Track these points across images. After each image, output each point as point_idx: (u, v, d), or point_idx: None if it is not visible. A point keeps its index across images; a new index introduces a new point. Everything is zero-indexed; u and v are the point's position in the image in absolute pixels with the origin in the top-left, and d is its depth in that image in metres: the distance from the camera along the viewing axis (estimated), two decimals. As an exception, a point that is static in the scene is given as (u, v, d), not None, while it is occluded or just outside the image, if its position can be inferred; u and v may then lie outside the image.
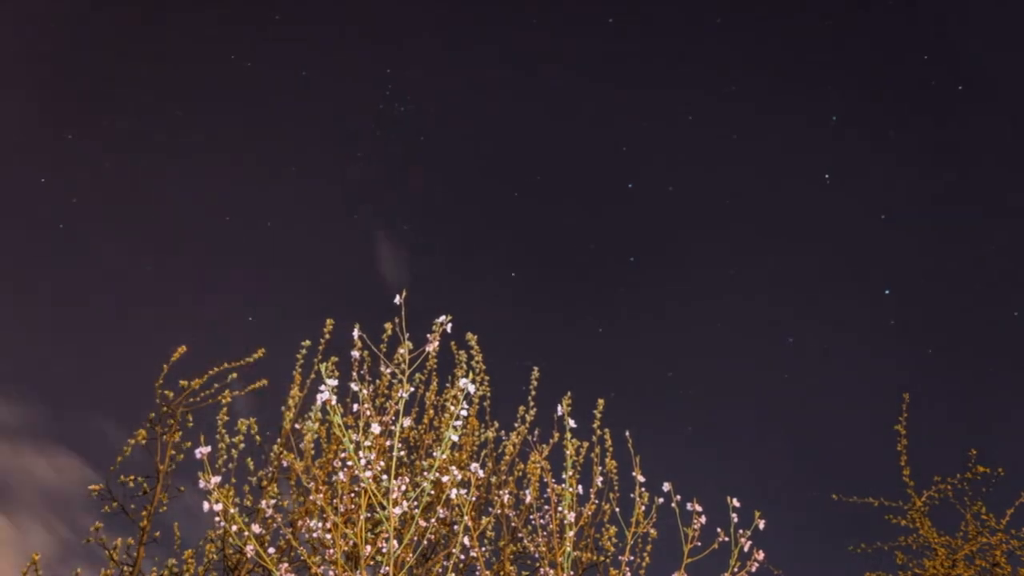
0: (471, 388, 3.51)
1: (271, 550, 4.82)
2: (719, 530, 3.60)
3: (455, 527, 5.08)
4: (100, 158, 14.34)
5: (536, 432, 5.68)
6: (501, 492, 5.44)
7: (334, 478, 4.56)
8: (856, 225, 14.71)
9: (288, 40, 14.54)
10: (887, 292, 13.32)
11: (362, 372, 3.91)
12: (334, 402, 3.37)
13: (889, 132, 14.46)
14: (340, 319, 5.37)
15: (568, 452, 3.82)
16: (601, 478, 4.90)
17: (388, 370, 5.33)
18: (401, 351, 3.47)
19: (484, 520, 5.49)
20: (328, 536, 4.37)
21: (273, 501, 5.08)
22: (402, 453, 5.46)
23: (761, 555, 3.59)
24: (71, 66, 14.57)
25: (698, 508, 3.64)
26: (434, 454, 5.18)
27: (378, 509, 3.46)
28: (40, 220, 13.87)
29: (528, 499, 5.35)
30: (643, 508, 3.76)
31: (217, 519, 3.39)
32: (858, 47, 14.65)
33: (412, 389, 3.46)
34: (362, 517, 3.54)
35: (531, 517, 5.34)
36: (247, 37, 14.75)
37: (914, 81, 14.24)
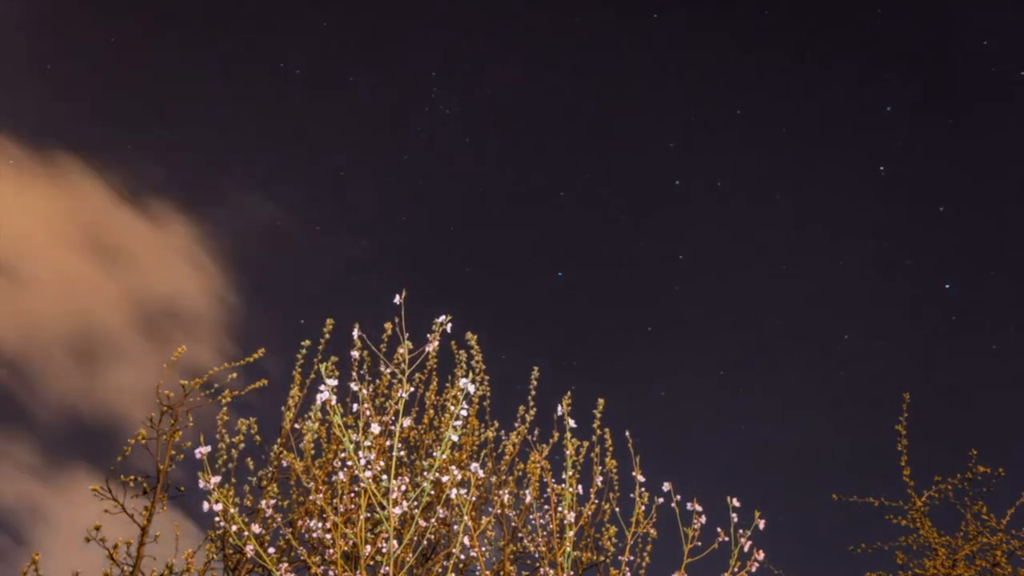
0: (471, 388, 3.51)
1: (271, 550, 4.82)
2: (719, 530, 3.60)
3: (455, 527, 5.08)
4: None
5: (536, 432, 5.68)
6: (501, 492, 5.43)
7: (334, 478, 4.57)
8: (913, 218, 14.45)
9: (335, 46, 14.55)
10: (947, 287, 13.08)
11: (362, 372, 3.91)
12: (334, 402, 3.37)
13: (948, 121, 14.11)
14: (340, 319, 5.37)
15: (568, 452, 3.82)
16: (601, 478, 4.90)
17: (388, 370, 5.33)
18: (401, 351, 3.47)
19: (484, 520, 5.49)
20: (328, 536, 4.37)
21: (273, 501, 5.08)
22: (402, 453, 5.46)
23: (761, 555, 3.59)
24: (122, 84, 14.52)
25: (698, 508, 3.64)
26: (434, 454, 5.18)
27: (378, 509, 3.46)
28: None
29: (528, 499, 5.35)
30: (643, 508, 3.76)
31: (217, 519, 3.39)
32: (913, 33, 14.33)
33: (412, 389, 3.46)
34: (362, 517, 3.54)
35: (531, 517, 5.34)
36: (297, 45, 14.76)
37: (974, 68, 13.86)
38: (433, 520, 4.44)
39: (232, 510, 3.43)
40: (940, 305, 13.88)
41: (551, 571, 4.57)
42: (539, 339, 14.86)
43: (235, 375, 5.25)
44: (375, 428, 3.52)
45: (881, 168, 13.69)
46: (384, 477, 3.52)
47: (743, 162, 15.01)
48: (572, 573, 4.27)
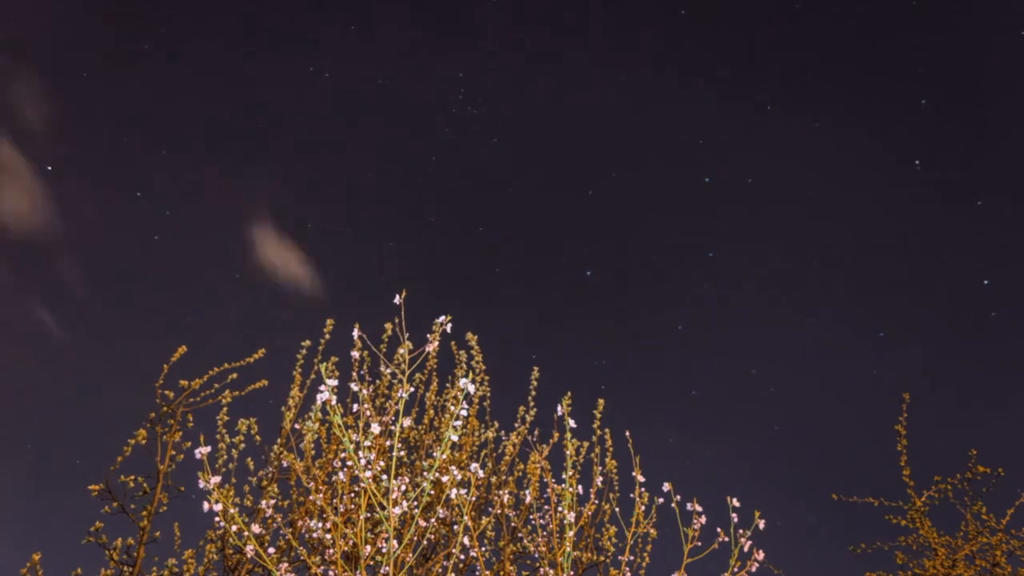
0: (471, 388, 3.51)
1: (271, 550, 4.82)
2: (719, 530, 3.60)
3: (455, 527, 5.08)
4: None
5: (536, 432, 5.69)
6: (501, 492, 5.43)
7: (334, 478, 4.57)
8: (950, 212, 14.20)
9: (364, 50, 14.52)
10: (986, 283, 12.93)
11: (362, 372, 3.91)
12: (334, 402, 3.37)
13: (985, 113, 13.85)
14: (340, 319, 5.37)
15: (568, 452, 3.82)
16: (601, 478, 4.90)
17: (388, 370, 5.33)
18: (401, 351, 3.47)
19: (484, 520, 5.49)
20: (328, 536, 4.38)
21: (273, 501, 5.08)
22: (402, 453, 5.46)
23: (761, 555, 3.59)
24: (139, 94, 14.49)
25: (698, 508, 3.64)
26: (434, 454, 5.18)
27: (378, 509, 3.46)
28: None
29: (528, 499, 5.35)
30: (643, 508, 3.76)
31: (217, 519, 3.39)
32: (947, 26, 14.05)
33: (412, 389, 3.46)
34: (362, 517, 3.54)
35: (531, 517, 5.34)
36: (327, 48, 14.74)
37: (1009, 61, 13.61)
38: (433, 520, 4.44)
39: (232, 510, 3.43)
40: (976, 301, 13.67)
41: (551, 571, 4.57)
42: (567, 338, 14.82)
43: (235, 375, 5.26)
44: (375, 428, 3.52)
45: (916, 163, 13.53)
46: (384, 477, 3.53)
47: (774, 158, 14.86)
48: (572, 573, 4.27)
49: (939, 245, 14.14)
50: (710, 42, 14.73)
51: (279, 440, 5.39)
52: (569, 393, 4.32)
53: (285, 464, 5.20)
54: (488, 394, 5.89)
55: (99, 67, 14.24)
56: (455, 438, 3.48)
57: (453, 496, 3.73)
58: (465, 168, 15.10)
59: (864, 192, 14.73)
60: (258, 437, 5.40)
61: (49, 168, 13.64)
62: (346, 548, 4.10)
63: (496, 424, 5.94)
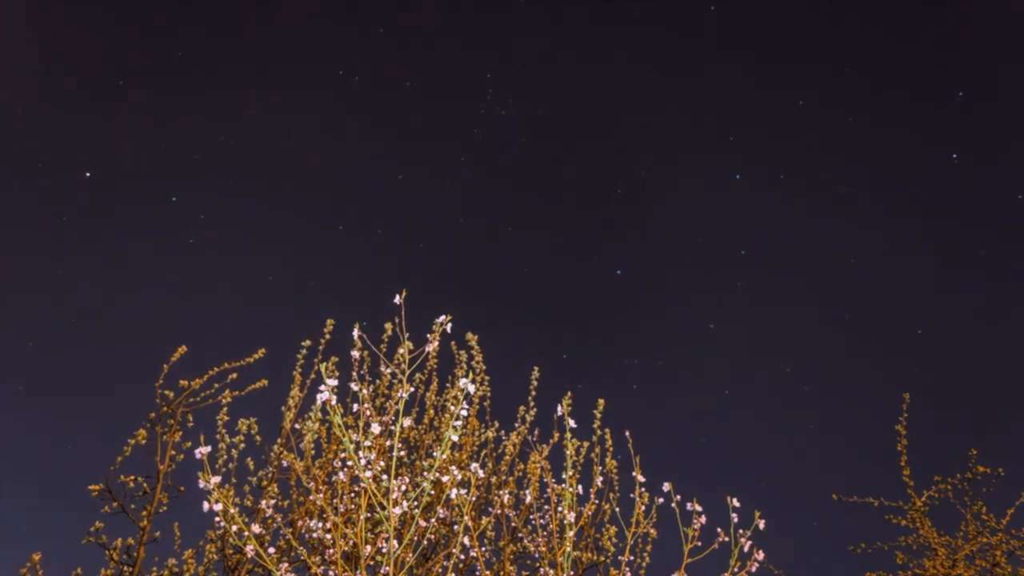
0: (471, 388, 3.51)
1: (271, 550, 4.82)
2: (719, 530, 3.60)
3: (455, 527, 5.08)
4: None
5: (536, 432, 5.69)
6: (501, 492, 5.43)
7: (334, 478, 4.56)
8: (989, 207, 13.88)
9: (392, 52, 14.48)
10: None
11: (362, 372, 3.91)
12: (334, 402, 3.37)
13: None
14: (340, 319, 5.37)
15: (568, 452, 3.82)
16: (601, 478, 4.90)
17: (388, 370, 5.33)
18: (401, 351, 3.47)
19: (484, 520, 5.49)
20: (328, 536, 4.37)
21: (273, 501, 5.08)
22: (402, 453, 5.46)
23: (761, 555, 3.59)
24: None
25: (698, 508, 3.64)
26: (434, 454, 5.18)
27: (378, 509, 3.46)
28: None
29: (528, 499, 5.35)
30: (643, 508, 3.76)
31: (217, 519, 3.39)
32: (983, 15, 13.78)
33: (412, 389, 3.46)
34: (362, 517, 3.54)
35: (531, 517, 5.34)
36: (355, 51, 14.69)
37: None
38: (433, 520, 4.44)
39: (232, 510, 3.43)
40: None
41: (551, 571, 4.57)
42: (598, 338, 14.75)
43: (235, 375, 5.26)
44: (375, 428, 3.52)
45: (954, 156, 13.28)
46: (384, 477, 3.53)
47: (806, 153, 14.59)
48: (572, 573, 4.27)
49: (978, 240, 13.85)
50: (741, 38, 14.57)
51: (279, 440, 5.39)
52: (569, 393, 4.32)
53: (285, 464, 5.20)
54: (488, 394, 5.89)
55: (124, 73, 14.17)
56: (455, 438, 3.48)
57: (453, 496, 3.73)
58: (494, 169, 15.03)
59: (900, 187, 14.44)
60: (258, 437, 5.40)
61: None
62: (346, 548, 4.10)
63: (496, 424, 5.94)
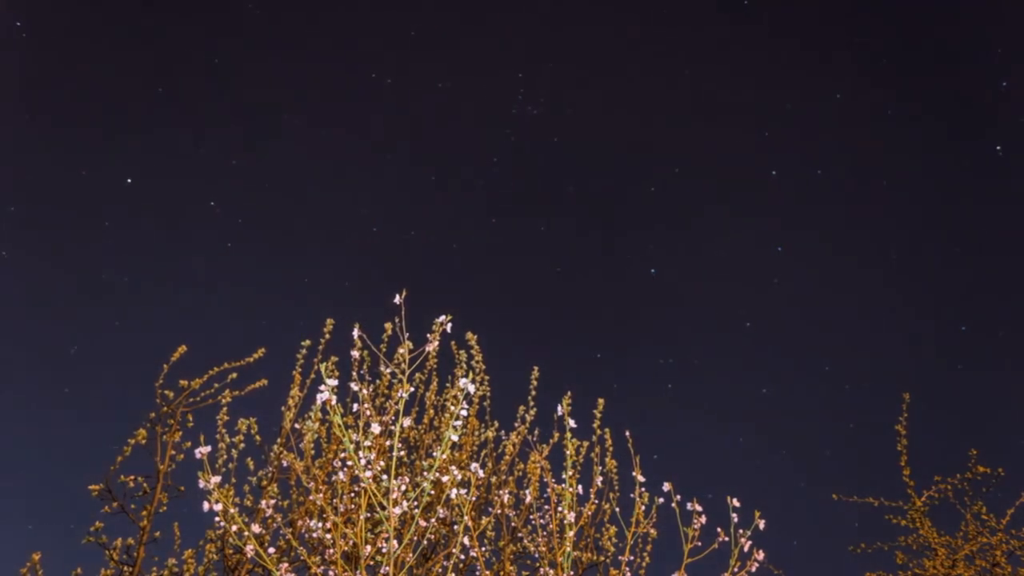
0: (471, 388, 3.51)
1: (271, 550, 4.82)
2: (719, 530, 3.60)
3: (455, 527, 5.08)
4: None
5: (536, 432, 5.68)
6: (501, 492, 5.43)
7: (334, 478, 4.57)
8: None
9: (425, 53, 14.43)
10: None
11: (362, 372, 3.91)
12: (334, 402, 3.37)
13: None
14: (340, 319, 5.37)
15: (568, 452, 3.82)
16: (601, 478, 4.90)
17: (388, 370, 5.33)
18: (401, 351, 3.47)
19: (484, 520, 5.49)
20: (328, 536, 4.37)
21: (273, 501, 5.08)
22: (402, 453, 5.46)
23: (761, 555, 3.59)
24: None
25: (698, 508, 3.64)
26: (434, 454, 5.18)
27: (378, 509, 3.46)
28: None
29: (528, 499, 5.34)
30: (643, 508, 3.76)
31: (217, 519, 3.39)
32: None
33: (412, 389, 3.46)
34: (362, 517, 3.54)
35: (531, 517, 5.34)
36: (388, 53, 14.63)
37: None
38: (433, 520, 4.44)
39: (232, 510, 3.44)
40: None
41: (551, 571, 4.57)
42: (632, 337, 14.64)
43: (235, 375, 5.26)
44: (375, 428, 3.52)
45: (998, 148, 12.96)
46: (384, 477, 3.53)
47: (843, 149, 14.26)
48: (572, 573, 4.27)
49: None
50: (774, 34, 14.31)
51: (279, 440, 5.38)
52: (569, 393, 4.32)
53: (285, 464, 5.20)
54: (488, 394, 5.89)
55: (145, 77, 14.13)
56: (455, 438, 3.48)
57: (453, 496, 3.73)
58: (526, 168, 14.94)
59: (941, 182, 14.10)
60: (258, 437, 5.40)
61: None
62: (346, 548, 4.10)
63: (496, 424, 5.94)
